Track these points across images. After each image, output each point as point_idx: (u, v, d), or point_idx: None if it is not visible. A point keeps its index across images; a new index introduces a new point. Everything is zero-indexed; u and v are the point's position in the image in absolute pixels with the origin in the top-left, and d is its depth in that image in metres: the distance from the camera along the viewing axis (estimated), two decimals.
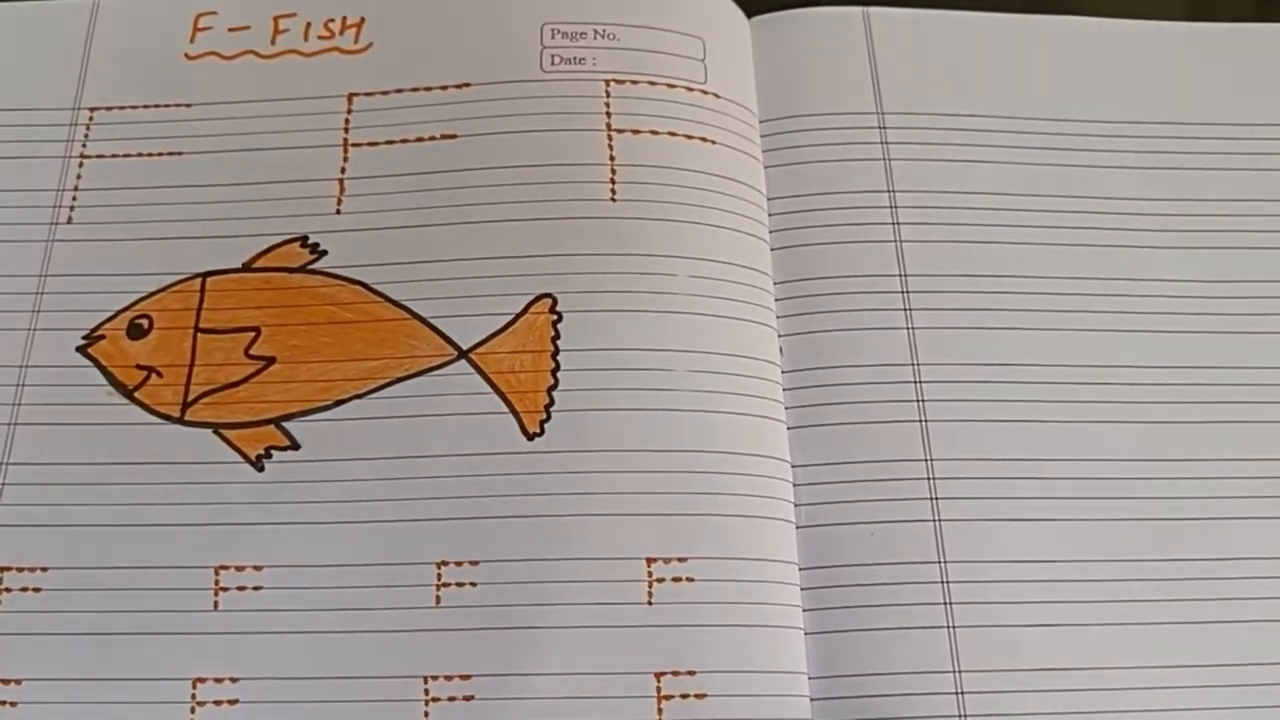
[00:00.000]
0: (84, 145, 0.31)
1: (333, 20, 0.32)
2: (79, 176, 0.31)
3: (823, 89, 0.33)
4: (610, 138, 0.30)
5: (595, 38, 0.32)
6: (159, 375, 0.28)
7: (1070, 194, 0.32)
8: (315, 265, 0.30)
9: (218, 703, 0.26)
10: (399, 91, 0.31)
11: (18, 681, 0.26)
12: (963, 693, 0.27)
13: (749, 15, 0.34)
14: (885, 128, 0.33)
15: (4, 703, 0.26)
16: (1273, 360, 0.30)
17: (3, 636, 0.26)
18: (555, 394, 0.28)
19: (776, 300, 0.30)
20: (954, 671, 0.27)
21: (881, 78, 0.33)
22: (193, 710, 0.26)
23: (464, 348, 0.29)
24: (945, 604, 0.27)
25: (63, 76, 0.32)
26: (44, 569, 0.27)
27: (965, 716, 0.26)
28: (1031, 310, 0.31)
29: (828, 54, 0.34)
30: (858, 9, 0.34)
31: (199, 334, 0.29)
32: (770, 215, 0.31)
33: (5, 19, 0.32)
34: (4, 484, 0.27)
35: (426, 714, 0.25)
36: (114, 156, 0.31)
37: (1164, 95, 0.34)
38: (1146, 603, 0.28)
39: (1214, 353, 0.30)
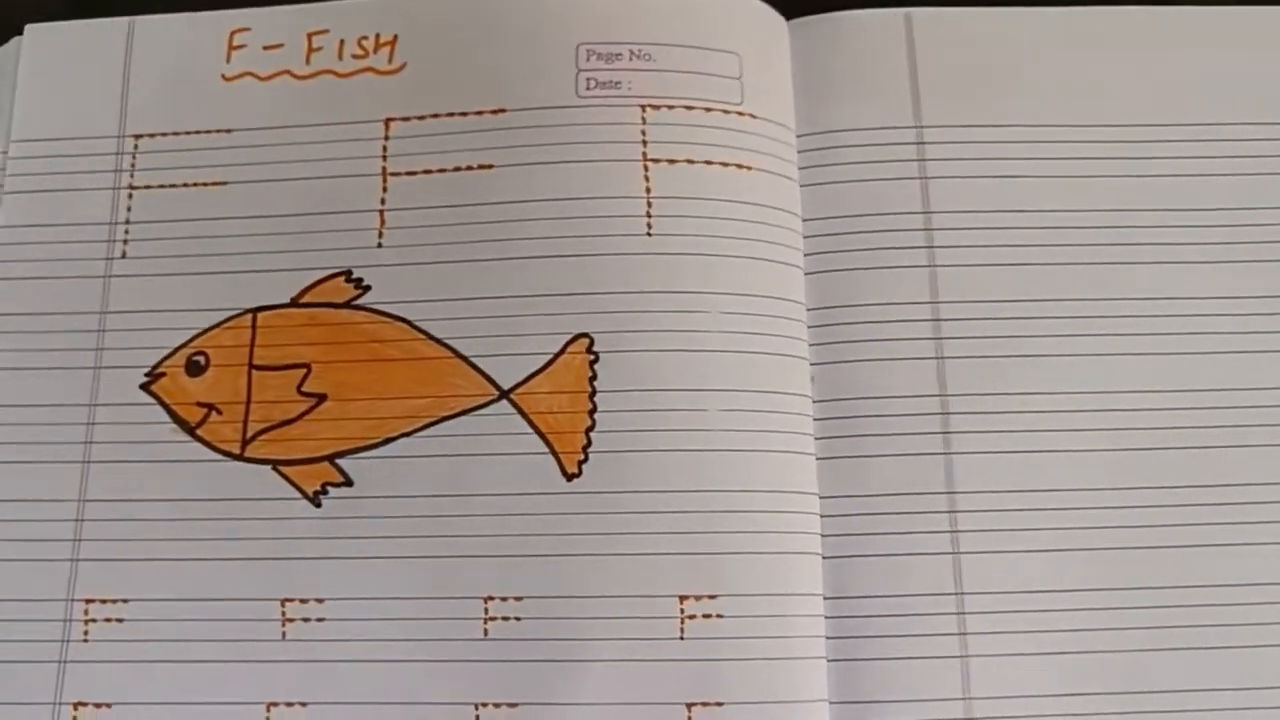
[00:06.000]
0: (132, 175, 0.32)
1: (366, 38, 0.32)
2: (129, 209, 0.32)
3: (861, 101, 0.33)
4: (646, 168, 0.31)
5: (631, 59, 0.31)
6: (218, 412, 0.30)
7: (1116, 208, 0.32)
8: (360, 300, 0.31)
9: None
10: (435, 117, 0.32)
11: (108, 705, 0.28)
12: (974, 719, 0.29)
13: (788, 17, 0.33)
14: (923, 143, 0.33)
15: None
16: None
17: (92, 664, 0.29)
18: (592, 435, 0.29)
19: (809, 327, 0.31)
20: (964, 699, 0.29)
21: (921, 87, 0.33)
22: None
23: (505, 388, 0.30)
24: (960, 634, 0.29)
25: (105, 102, 0.32)
26: (124, 600, 0.29)
27: None
28: (1069, 335, 0.31)
29: (867, 60, 0.33)
30: (899, 11, 0.33)
31: (253, 370, 0.30)
32: (805, 237, 0.32)
33: (44, 42, 0.33)
34: (83, 520, 0.30)
35: None
36: (162, 187, 0.32)
37: (1222, 90, 0.32)
38: (1175, 629, 0.29)
39: (1273, 376, 0.30)
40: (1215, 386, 0.31)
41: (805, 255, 0.32)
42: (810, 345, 0.31)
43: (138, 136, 0.32)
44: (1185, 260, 0.31)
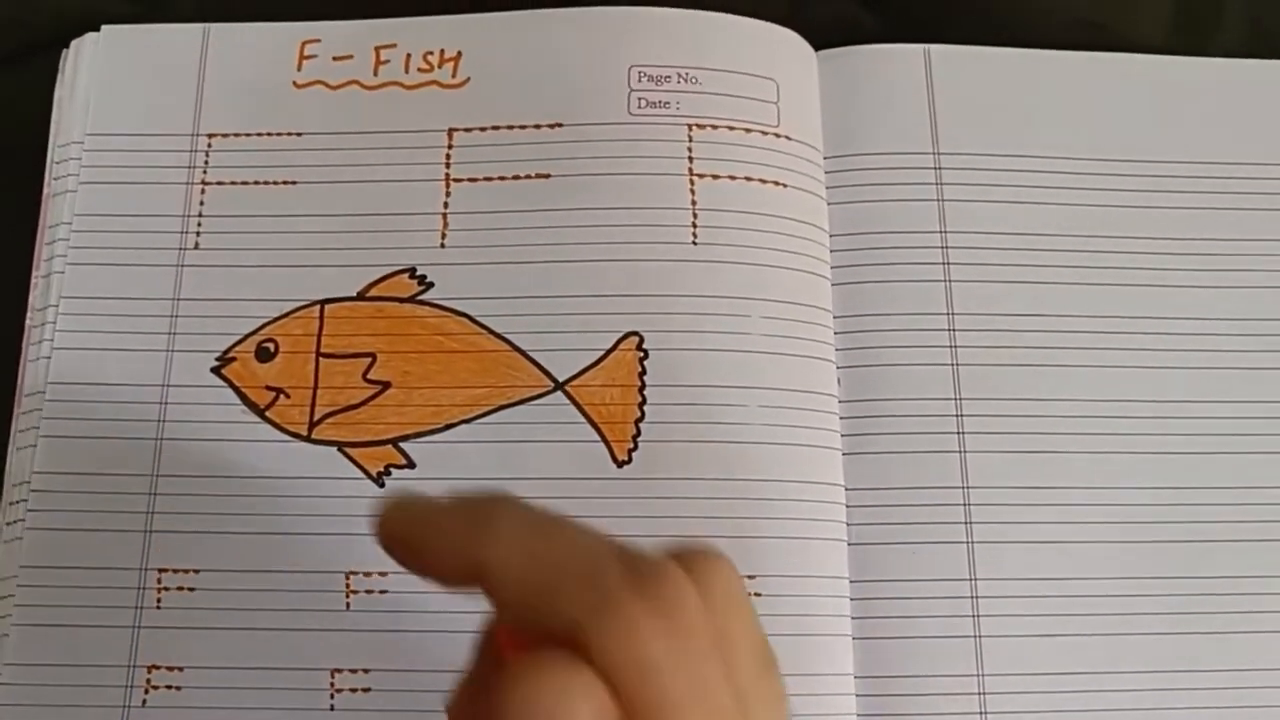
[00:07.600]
0: (205, 172, 0.34)
1: (431, 53, 0.35)
2: (202, 203, 0.33)
3: (883, 128, 0.36)
4: (692, 182, 0.33)
5: (678, 81, 0.34)
6: (286, 396, 0.32)
7: (1123, 235, 0.35)
8: (423, 296, 0.33)
9: (354, 690, 0.30)
10: (496, 129, 0.34)
11: (180, 669, 0.30)
12: (984, 693, 0.31)
13: (816, 49, 0.36)
14: (941, 168, 0.36)
15: (171, 687, 0.30)
16: None
17: (165, 630, 0.30)
18: (642, 425, 0.32)
19: (836, 334, 0.34)
20: (978, 675, 0.31)
21: (939, 117, 0.36)
22: (332, 696, 0.30)
23: (560, 380, 0.32)
24: (973, 616, 0.32)
25: (180, 102, 0.34)
26: (195, 570, 0.31)
27: (985, 714, 0.31)
28: (1072, 348, 0.34)
29: (889, 91, 0.36)
30: (919, 46, 0.37)
31: (320, 358, 0.32)
32: (832, 251, 0.34)
33: (121, 42, 0.34)
34: (156, 494, 0.31)
35: None
36: (233, 184, 0.34)
37: (1221, 133, 0.36)
38: (1172, 615, 0.32)
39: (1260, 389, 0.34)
40: (1205, 398, 0.34)
41: (832, 268, 0.34)
42: (837, 350, 0.34)
43: (210, 136, 0.34)
44: (1177, 284, 0.35)
